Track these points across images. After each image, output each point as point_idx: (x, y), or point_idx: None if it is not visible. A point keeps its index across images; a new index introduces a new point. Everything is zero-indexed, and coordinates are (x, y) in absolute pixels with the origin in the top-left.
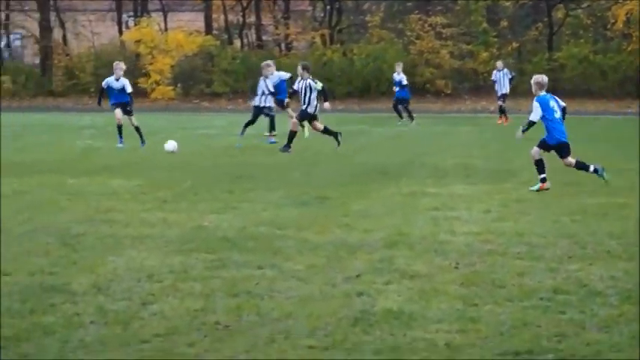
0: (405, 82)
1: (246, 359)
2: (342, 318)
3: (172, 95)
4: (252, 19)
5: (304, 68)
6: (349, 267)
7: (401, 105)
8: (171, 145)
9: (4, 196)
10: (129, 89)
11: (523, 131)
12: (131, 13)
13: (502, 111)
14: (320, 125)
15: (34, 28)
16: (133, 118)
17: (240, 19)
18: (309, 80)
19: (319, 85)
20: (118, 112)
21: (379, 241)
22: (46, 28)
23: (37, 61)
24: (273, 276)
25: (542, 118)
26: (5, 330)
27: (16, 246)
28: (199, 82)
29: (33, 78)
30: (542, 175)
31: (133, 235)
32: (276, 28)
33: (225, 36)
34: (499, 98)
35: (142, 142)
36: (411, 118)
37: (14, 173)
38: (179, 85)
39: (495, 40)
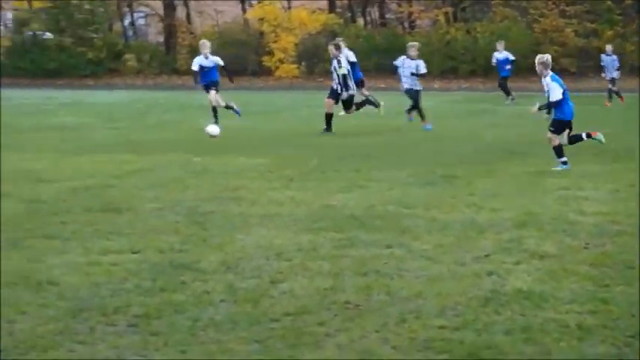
0: (512, 57)
1: (377, 339)
2: (472, 298)
3: (296, 73)
4: None
5: (337, 48)
6: (478, 246)
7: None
8: (215, 129)
9: (132, 173)
10: (221, 62)
11: (540, 108)
12: None
13: (611, 94)
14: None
15: (158, 6)
16: (215, 94)
17: None
18: (335, 61)
19: (343, 70)
20: (213, 94)
21: (507, 220)
22: (169, 6)
23: (161, 39)
24: (402, 255)
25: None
26: (136, 308)
27: (145, 224)
28: (323, 61)
29: (157, 56)
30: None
31: (260, 214)
32: (400, 6)
33: (349, 14)
34: (609, 82)
35: (216, 121)
36: (509, 95)
37: (140, 151)
38: (303, 63)
39: (620, 18)
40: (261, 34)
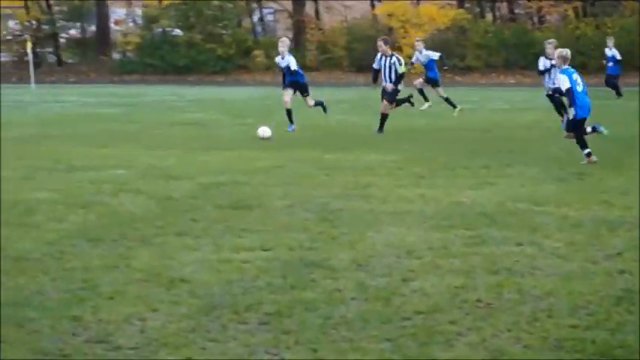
0: (618, 56)
1: (508, 338)
2: (604, 296)
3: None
4: None
5: (386, 43)
6: (610, 244)
7: (614, 80)
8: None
9: (261, 170)
10: (292, 66)
11: (570, 105)
12: None
13: None
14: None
15: (287, 2)
16: (308, 98)
17: None
18: (394, 58)
19: (403, 68)
20: (287, 95)
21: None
22: (298, 2)
23: (290, 35)
24: (533, 253)
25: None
26: (267, 306)
27: (275, 221)
28: (452, 56)
29: None
30: (587, 150)
31: (390, 211)
32: (529, 0)
33: (477, 9)
34: None
35: (325, 110)
36: (619, 94)
37: (269, 148)
38: None
39: None
40: (390, 29)
